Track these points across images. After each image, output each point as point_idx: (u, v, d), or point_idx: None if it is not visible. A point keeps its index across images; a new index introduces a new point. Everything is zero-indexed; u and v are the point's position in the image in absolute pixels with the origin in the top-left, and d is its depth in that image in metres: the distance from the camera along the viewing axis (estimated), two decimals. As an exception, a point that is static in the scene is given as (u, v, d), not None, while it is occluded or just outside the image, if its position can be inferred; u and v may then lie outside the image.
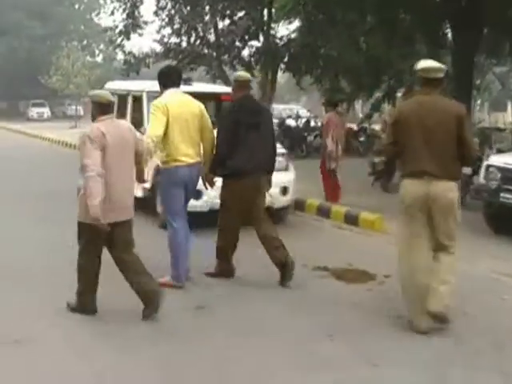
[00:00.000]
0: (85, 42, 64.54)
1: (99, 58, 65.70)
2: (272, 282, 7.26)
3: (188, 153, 6.92)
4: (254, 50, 24.56)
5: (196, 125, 7.01)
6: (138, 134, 6.35)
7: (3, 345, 5.43)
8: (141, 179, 6.47)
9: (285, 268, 7.11)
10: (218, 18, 21.80)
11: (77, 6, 68.91)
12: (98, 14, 68.65)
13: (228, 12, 21.59)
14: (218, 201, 7.76)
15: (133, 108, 11.35)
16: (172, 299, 6.33)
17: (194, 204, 8.69)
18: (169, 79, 7.16)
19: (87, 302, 6.01)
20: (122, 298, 6.28)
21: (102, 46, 66.57)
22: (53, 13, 60.97)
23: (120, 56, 35.94)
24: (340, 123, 12.02)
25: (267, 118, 7.44)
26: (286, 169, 10.21)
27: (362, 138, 23.80)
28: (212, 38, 22.63)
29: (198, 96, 11.04)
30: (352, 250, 9.01)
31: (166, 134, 6.77)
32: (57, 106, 62.23)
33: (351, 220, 10.57)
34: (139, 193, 10.09)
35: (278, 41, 24.21)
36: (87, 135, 5.66)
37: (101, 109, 5.88)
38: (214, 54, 23.29)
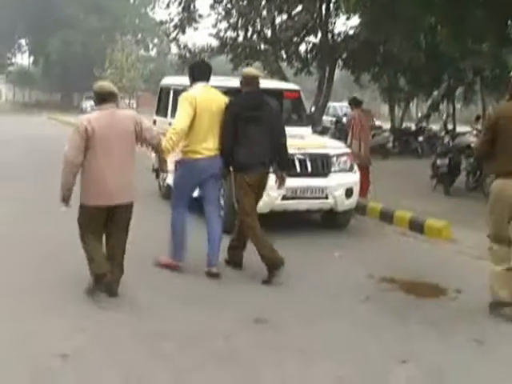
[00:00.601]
0: (139, 36, 64.65)
1: (153, 53, 65.82)
2: (337, 294, 6.78)
3: (209, 146, 7.06)
4: (310, 46, 23.97)
5: (219, 119, 7.14)
6: (145, 122, 6.52)
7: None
8: (162, 169, 7.03)
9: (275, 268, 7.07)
10: (275, 13, 21.20)
11: (132, 0, 69.05)
12: (153, 8, 68.93)
13: (286, 7, 20.99)
14: (281, 201, 8.30)
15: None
16: (227, 308, 6.07)
17: None
18: (199, 73, 7.38)
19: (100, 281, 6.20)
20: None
21: (155, 41, 66.75)
22: (108, 6, 61.30)
23: (174, 50, 35.78)
24: (365, 122, 12.18)
25: (270, 112, 7.32)
26: (350, 169, 9.64)
27: (420, 139, 23.07)
28: (269, 32, 22.04)
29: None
30: (419, 259, 8.43)
31: (191, 125, 6.96)
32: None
33: (416, 227, 9.91)
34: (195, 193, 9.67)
35: (335, 37, 23.54)
36: (76, 125, 6.17)
37: (100, 98, 6.30)
38: (271, 49, 22.73)
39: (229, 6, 22.34)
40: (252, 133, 7.12)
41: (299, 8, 22.01)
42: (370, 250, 8.79)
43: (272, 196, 8.79)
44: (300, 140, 9.71)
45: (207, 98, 7.11)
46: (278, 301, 6.56)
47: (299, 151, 9.20)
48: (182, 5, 23.98)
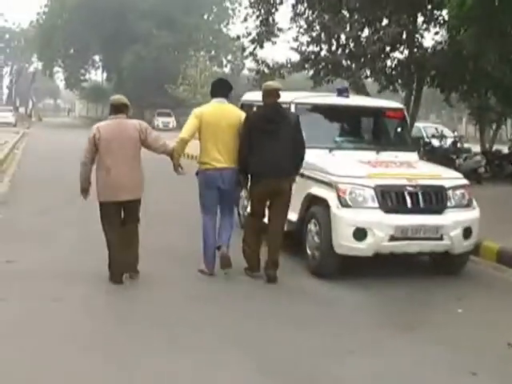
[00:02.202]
0: (212, 53, 63.89)
1: (226, 69, 64.95)
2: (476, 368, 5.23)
3: (218, 158, 7.55)
4: (395, 61, 22.37)
5: (233, 133, 7.59)
6: (151, 131, 7.51)
7: None
8: (175, 169, 7.83)
9: (272, 268, 7.60)
10: (363, 25, 19.67)
11: (206, 16, 68.51)
12: (227, 24, 68.12)
13: (372, 19, 19.44)
14: (388, 242, 7.51)
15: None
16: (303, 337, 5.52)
17: (355, 247, 7.13)
18: (215, 90, 7.93)
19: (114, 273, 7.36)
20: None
21: (229, 57, 65.98)
22: (181, 22, 60.71)
23: (250, 64, 34.64)
24: None
25: (288, 125, 7.60)
26: (468, 204, 8.08)
27: (516, 162, 21.23)
28: (354, 46, 20.50)
29: (355, 111, 9.21)
30: None
31: (200, 138, 7.69)
32: (182, 116, 61.74)
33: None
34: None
35: (423, 52, 21.87)
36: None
37: (112, 109, 7.44)
38: (353, 65, 21.22)
39: (311, 18, 20.95)
40: (266, 144, 7.44)
41: (385, 21, 20.50)
42: (498, 305, 7.27)
43: (378, 236, 7.43)
44: (409, 169, 8.27)
45: (216, 113, 7.67)
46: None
47: (409, 183, 7.74)
48: (261, 18, 22.67)
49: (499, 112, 25.36)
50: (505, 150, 24.01)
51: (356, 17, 20.03)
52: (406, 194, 7.66)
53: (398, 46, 20.74)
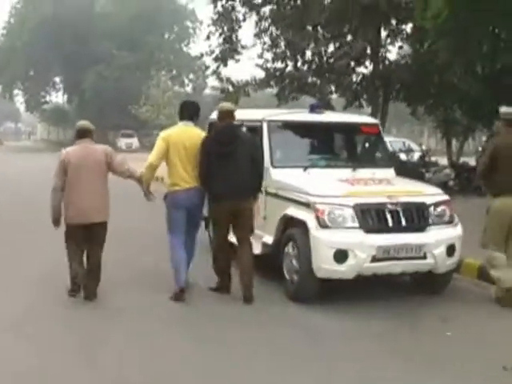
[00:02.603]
0: (174, 72, 63.50)
1: (188, 88, 64.59)
2: None
3: (186, 178, 7.66)
4: (360, 77, 22.22)
5: (196, 153, 7.67)
6: (116, 156, 7.76)
7: None
8: (146, 196, 7.92)
9: (247, 291, 7.54)
10: (328, 41, 19.42)
11: (166, 36, 68.22)
12: (188, 43, 67.97)
13: (339, 33, 19.22)
14: (370, 264, 7.20)
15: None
16: None
17: (336, 269, 6.83)
18: (182, 113, 8.03)
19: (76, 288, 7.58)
20: None
21: (191, 76, 65.70)
22: (142, 42, 60.31)
23: (213, 83, 34.20)
24: None
25: (243, 146, 7.61)
26: (450, 221, 7.78)
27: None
28: (320, 62, 20.25)
29: (329, 128, 8.91)
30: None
31: (168, 161, 7.73)
32: (145, 137, 61.22)
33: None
34: (257, 249, 8.05)
35: (387, 66, 21.75)
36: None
37: (77, 134, 7.74)
38: (318, 81, 20.98)
39: (275, 34, 20.69)
40: (223, 166, 7.45)
41: (349, 36, 20.33)
42: (485, 325, 6.99)
43: (360, 258, 7.13)
44: (389, 186, 7.97)
45: (181, 135, 7.76)
46: None
47: (390, 200, 7.42)
48: (224, 36, 22.42)
49: (465, 125, 25.36)
50: (471, 161, 23.94)
51: (321, 32, 19.83)
52: (386, 212, 7.34)
53: (363, 60, 20.58)
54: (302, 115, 9.24)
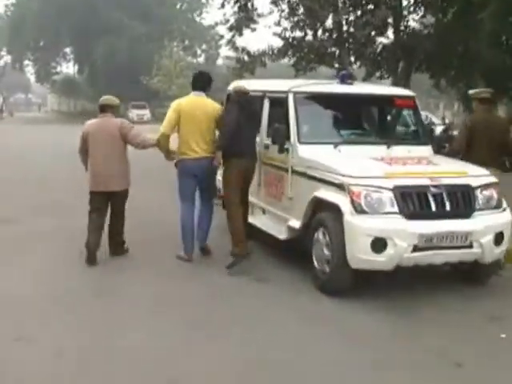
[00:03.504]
0: (186, 43, 62.51)
1: (201, 59, 63.59)
2: None
3: (195, 148, 7.76)
4: (381, 46, 21.32)
5: (209, 124, 7.80)
6: (130, 129, 8.00)
7: None
8: (166, 156, 8.10)
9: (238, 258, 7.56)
10: (350, 9, 18.46)
11: (178, 6, 67.11)
12: (200, 13, 66.89)
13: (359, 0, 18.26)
14: (411, 254, 6.39)
15: (271, 114, 8.40)
16: None
17: (374, 260, 6.06)
18: (194, 83, 8.08)
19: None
20: None
21: (204, 47, 64.71)
22: (154, 12, 59.36)
23: (226, 53, 33.16)
24: None
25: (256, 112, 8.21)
26: (497, 206, 6.97)
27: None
28: (341, 30, 19.28)
29: (361, 100, 8.21)
30: None
31: (179, 129, 7.84)
32: (157, 108, 60.33)
33: None
34: (282, 234, 7.32)
35: (409, 36, 20.81)
36: None
37: (99, 109, 8.17)
38: (339, 51, 20.05)
39: (294, 1, 19.66)
40: (248, 127, 7.80)
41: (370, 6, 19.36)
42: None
43: (400, 247, 6.33)
44: (430, 166, 7.16)
45: (193, 105, 7.83)
46: None
47: (433, 182, 6.62)
48: (239, 4, 21.47)
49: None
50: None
51: (342, -1, 18.92)
52: (429, 195, 6.54)
53: (385, 30, 19.66)
54: (332, 86, 8.41)
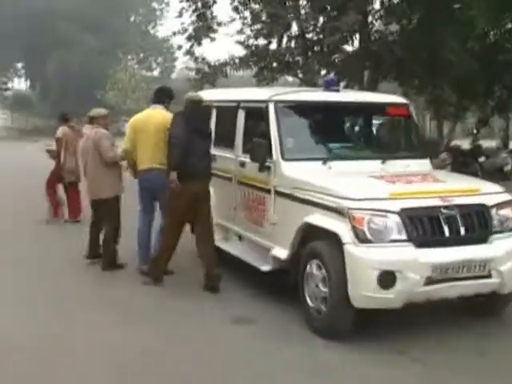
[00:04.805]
0: (141, 56, 61.40)
1: (156, 72, 62.56)
2: None
3: (145, 159, 7.88)
4: (346, 54, 20.49)
5: (160, 135, 7.65)
6: (100, 142, 8.27)
7: None
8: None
9: (215, 279, 7.22)
10: (317, 14, 17.52)
11: (132, 19, 66.00)
12: (155, 25, 65.90)
13: (330, 5, 17.34)
14: (424, 287, 5.47)
15: (247, 127, 7.39)
16: None
17: (380, 297, 4.99)
18: (153, 97, 8.30)
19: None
20: None
21: (159, 59, 63.72)
22: (107, 25, 58.06)
23: (181, 66, 32.11)
24: (74, 137, 12.27)
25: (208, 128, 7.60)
26: (518, 227, 6.06)
27: (482, 159, 19.68)
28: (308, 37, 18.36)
29: (349, 109, 7.30)
30: None
31: (136, 144, 7.98)
32: (111, 124, 59.05)
33: None
34: (264, 265, 6.34)
35: (375, 43, 20.03)
36: None
37: (89, 121, 9.10)
38: (304, 60, 19.12)
39: (258, 7, 18.65)
40: (201, 145, 7.26)
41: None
42: None
43: (411, 280, 5.35)
44: (437, 183, 6.22)
45: (145, 119, 7.99)
46: None
47: (444, 203, 5.68)
48: (197, 12, 20.47)
49: (455, 105, 24.01)
50: (464, 144, 22.52)
51: (309, 4, 18.01)
52: (441, 218, 5.60)
53: (354, 36, 18.85)
54: (317, 94, 7.46)
